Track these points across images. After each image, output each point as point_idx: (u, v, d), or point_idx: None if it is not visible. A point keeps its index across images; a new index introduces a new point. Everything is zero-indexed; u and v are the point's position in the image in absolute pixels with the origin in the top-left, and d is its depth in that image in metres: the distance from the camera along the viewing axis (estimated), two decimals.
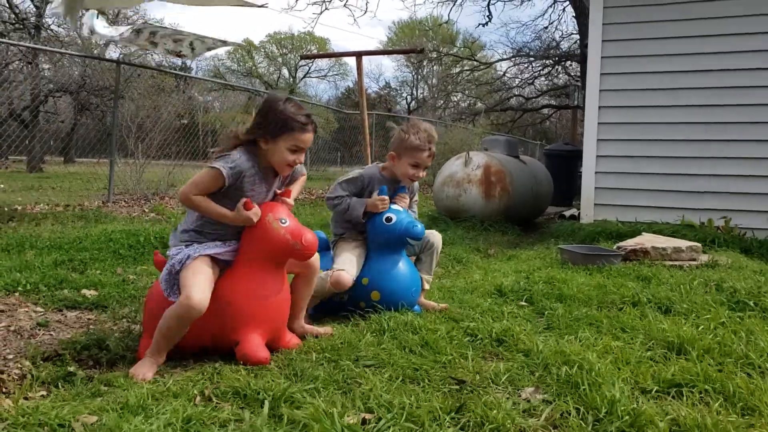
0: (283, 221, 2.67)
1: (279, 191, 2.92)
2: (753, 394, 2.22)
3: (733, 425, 1.98)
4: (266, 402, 2.05)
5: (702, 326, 3.12)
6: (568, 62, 24.02)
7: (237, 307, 2.61)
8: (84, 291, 3.83)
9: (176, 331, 2.52)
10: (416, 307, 3.44)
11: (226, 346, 2.64)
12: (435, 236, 3.68)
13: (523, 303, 3.71)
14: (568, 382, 2.34)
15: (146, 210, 8.44)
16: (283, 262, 2.75)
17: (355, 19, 30.77)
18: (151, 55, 19.11)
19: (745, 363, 2.61)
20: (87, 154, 15.93)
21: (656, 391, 2.30)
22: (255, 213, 2.66)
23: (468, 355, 2.66)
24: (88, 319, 3.40)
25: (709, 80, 6.82)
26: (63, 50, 16.69)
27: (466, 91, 33.85)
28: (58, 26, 22.32)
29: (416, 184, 3.72)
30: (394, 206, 3.43)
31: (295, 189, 3.01)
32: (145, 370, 2.46)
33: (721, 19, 6.78)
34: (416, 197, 3.77)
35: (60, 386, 2.39)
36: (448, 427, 1.96)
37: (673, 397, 2.27)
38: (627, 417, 2.01)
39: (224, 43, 10.32)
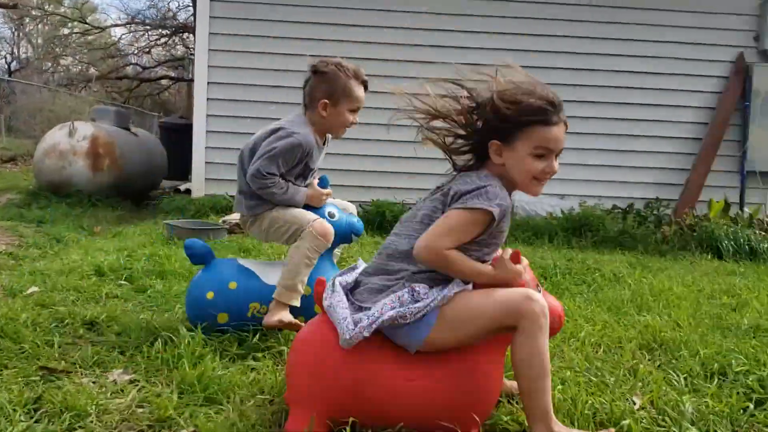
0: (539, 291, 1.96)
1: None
2: None
3: None
4: None
5: None
6: (186, 34, 23.75)
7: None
8: None
9: (546, 354, 1.82)
10: None
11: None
12: None
13: (123, 282, 3.63)
14: (158, 358, 2.37)
15: None
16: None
17: None
18: None
19: None
20: None
21: (247, 358, 2.46)
22: (524, 267, 1.93)
23: (54, 342, 2.52)
24: None
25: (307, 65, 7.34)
26: None
27: (78, 56, 31.31)
28: None
29: None
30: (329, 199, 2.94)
31: None
32: None
33: (328, 9, 7.31)
34: None
35: None
36: (21, 420, 1.85)
37: (257, 359, 2.45)
38: (214, 386, 2.13)
39: None
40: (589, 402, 2.08)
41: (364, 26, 7.37)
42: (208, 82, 7.24)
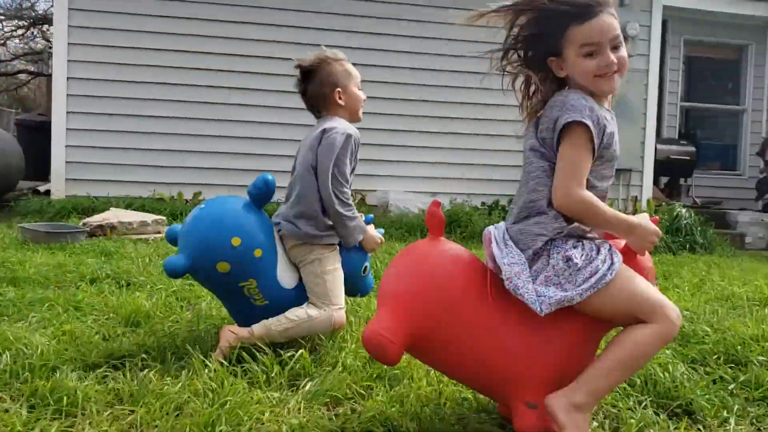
0: None
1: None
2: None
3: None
4: None
5: (156, 296, 3.31)
6: (45, 26, 22.40)
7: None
8: None
9: (647, 361, 1.86)
10: None
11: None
12: None
13: None
14: (6, 371, 2.23)
15: None
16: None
17: None
18: None
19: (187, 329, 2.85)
20: None
21: (105, 367, 2.34)
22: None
23: None
24: None
25: (173, 60, 7.15)
26: None
27: None
28: None
29: None
30: None
31: None
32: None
33: (191, 3, 7.17)
34: None
35: None
36: None
37: (117, 368, 2.35)
38: (69, 398, 2.02)
39: None
40: (457, 393, 2.16)
41: (229, 22, 7.29)
42: (68, 78, 6.89)
